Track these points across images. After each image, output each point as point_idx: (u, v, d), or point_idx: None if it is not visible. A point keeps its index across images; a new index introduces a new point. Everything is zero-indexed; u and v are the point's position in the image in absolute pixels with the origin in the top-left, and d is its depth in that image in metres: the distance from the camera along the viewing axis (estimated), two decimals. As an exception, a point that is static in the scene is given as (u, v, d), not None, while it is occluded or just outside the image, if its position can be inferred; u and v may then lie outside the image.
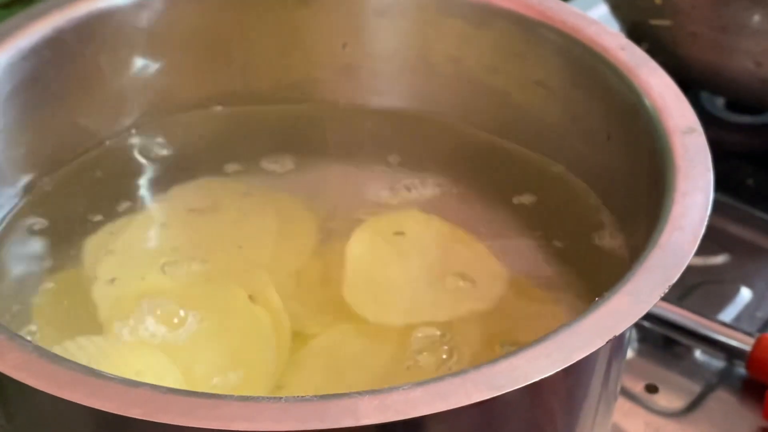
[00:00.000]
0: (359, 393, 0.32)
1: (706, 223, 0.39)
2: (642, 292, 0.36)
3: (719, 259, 0.63)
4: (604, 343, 0.34)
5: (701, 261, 0.62)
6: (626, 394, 0.56)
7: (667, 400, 0.56)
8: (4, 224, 0.48)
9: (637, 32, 0.68)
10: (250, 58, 0.55)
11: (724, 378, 0.57)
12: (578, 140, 0.50)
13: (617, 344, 0.40)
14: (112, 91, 0.52)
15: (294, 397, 0.32)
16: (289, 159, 0.53)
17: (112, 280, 0.46)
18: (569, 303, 0.46)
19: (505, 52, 0.53)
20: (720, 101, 0.74)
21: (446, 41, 0.54)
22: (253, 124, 0.55)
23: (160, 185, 0.51)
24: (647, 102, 0.45)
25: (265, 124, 0.55)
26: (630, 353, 0.58)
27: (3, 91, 0.47)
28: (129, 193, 0.51)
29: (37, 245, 0.48)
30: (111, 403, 0.31)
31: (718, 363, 0.57)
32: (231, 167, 0.52)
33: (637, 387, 0.56)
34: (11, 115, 0.48)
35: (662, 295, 0.36)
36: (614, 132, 0.48)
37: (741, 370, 0.57)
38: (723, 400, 0.56)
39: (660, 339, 0.58)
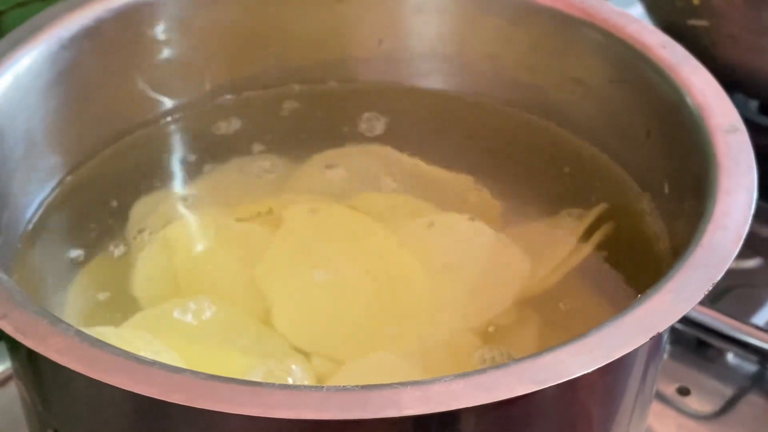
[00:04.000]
0: (402, 383, 0.31)
1: (749, 222, 0.38)
2: (684, 291, 0.36)
3: (752, 262, 0.63)
4: (647, 340, 0.34)
5: (734, 264, 0.60)
6: (658, 396, 0.55)
7: (699, 403, 0.55)
8: (42, 209, 0.48)
9: (671, 33, 0.67)
10: (286, 52, 0.55)
11: (756, 381, 0.56)
12: (615, 138, 0.50)
13: (656, 343, 0.40)
14: (149, 78, 0.52)
15: (336, 386, 0.31)
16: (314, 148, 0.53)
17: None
18: (607, 295, 0.45)
19: (543, 50, 0.52)
20: (754, 104, 0.73)
21: (483, 38, 0.54)
22: (285, 111, 0.55)
23: (196, 168, 0.51)
24: (689, 100, 0.45)
25: (298, 112, 0.55)
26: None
27: (44, 81, 0.47)
28: (166, 176, 0.51)
29: (75, 229, 0.48)
30: (153, 389, 0.31)
31: (750, 366, 0.57)
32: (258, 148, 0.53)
33: (669, 389, 0.56)
34: (52, 104, 0.48)
35: (705, 293, 0.36)
36: (654, 130, 0.47)
37: (774, 373, 0.56)
38: (755, 404, 0.55)
39: (692, 341, 0.58)
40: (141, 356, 0.33)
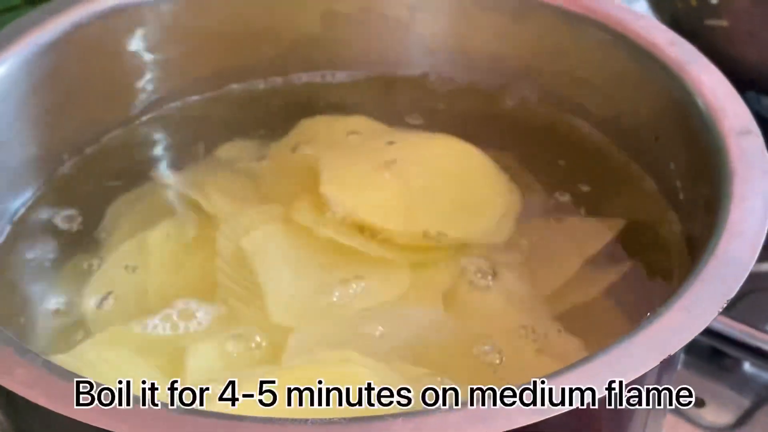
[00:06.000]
0: (392, 416, 0.29)
1: (766, 230, 0.36)
2: (698, 307, 0.33)
3: (768, 266, 0.61)
4: (658, 363, 0.31)
5: (750, 268, 0.60)
6: (672, 408, 0.53)
7: (714, 414, 0.53)
8: (17, 218, 0.47)
9: (681, 33, 0.66)
10: (277, 54, 0.54)
11: (774, 392, 0.54)
12: (627, 140, 0.48)
13: (669, 361, 0.38)
14: (130, 81, 0.51)
15: (321, 419, 0.29)
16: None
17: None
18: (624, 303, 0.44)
19: (545, 48, 0.51)
20: (767, 101, 0.71)
21: (483, 36, 0.52)
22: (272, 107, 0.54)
23: (180, 166, 0.50)
24: (699, 101, 0.43)
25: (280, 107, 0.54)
26: (676, 365, 0.55)
27: (23, 89, 0.46)
28: (147, 174, 0.50)
29: (52, 236, 0.47)
30: (124, 424, 0.29)
31: (768, 376, 0.55)
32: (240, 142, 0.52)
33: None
34: (32, 113, 0.47)
35: (720, 310, 0.33)
36: (663, 133, 0.45)
37: (793, 383, 0.54)
38: (774, 415, 0.53)
39: (707, 350, 0.56)
40: (112, 388, 0.30)
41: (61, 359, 0.39)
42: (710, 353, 0.56)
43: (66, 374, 0.31)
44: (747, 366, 0.55)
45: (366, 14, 0.53)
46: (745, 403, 0.54)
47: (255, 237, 0.44)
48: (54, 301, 0.44)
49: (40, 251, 0.46)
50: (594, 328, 0.43)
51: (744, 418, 0.53)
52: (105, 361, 0.39)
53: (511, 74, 0.52)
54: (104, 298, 0.43)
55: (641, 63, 0.46)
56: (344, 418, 0.29)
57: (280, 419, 0.29)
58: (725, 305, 0.34)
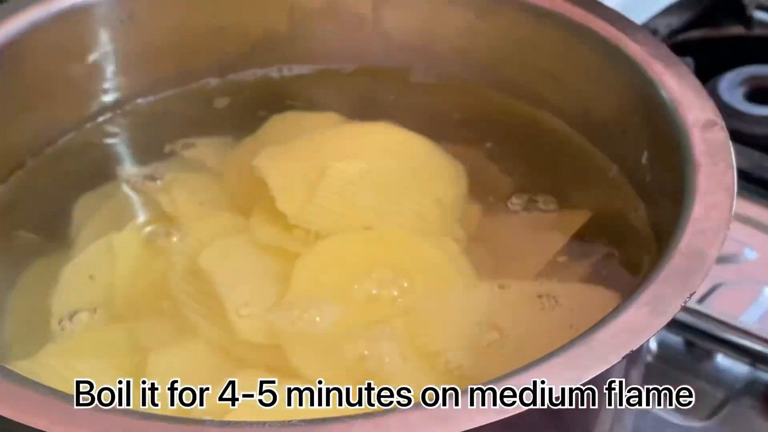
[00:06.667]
0: (351, 417, 0.29)
1: (729, 224, 0.36)
2: (661, 302, 0.33)
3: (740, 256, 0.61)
4: (620, 359, 0.31)
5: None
6: (644, 401, 0.53)
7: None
8: None
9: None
10: (243, 51, 0.54)
11: (748, 384, 0.54)
12: (591, 135, 0.48)
13: (634, 355, 0.38)
14: (91, 78, 0.51)
15: (279, 422, 0.29)
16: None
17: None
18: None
19: (513, 43, 0.51)
20: (739, 92, 0.71)
21: (450, 32, 0.52)
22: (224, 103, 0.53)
23: (142, 164, 0.50)
24: (664, 94, 0.43)
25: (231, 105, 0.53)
26: (648, 358, 0.55)
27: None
28: (112, 174, 0.49)
29: (17, 235, 0.47)
30: (82, 430, 0.29)
31: (741, 368, 0.55)
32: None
33: (656, 394, 0.54)
34: None
35: (683, 304, 0.33)
36: (629, 127, 0.45)
37: (766, 375, 0.54)
38: (747, 407, 0.53)
39: (679, 343, 0.56)
40: (70, 395, 0.30)
41: (22, 366, 0.38)
42: (683, 346, 0.56)
43: (23, 381, 0.31)
44: (720, 358, 0.55)
45: (331, 10, 0.53)
46: (719, 395, 0.54)
47: (211, 252, 0.43)
48: (19, 305, 0.43)
49: (2, 254, 0.45)
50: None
51: (717, 410, 0.53)
52: (67, 367, 0.39)
53: (477, 69, 0.52)
54: (69, 302, 0.43)
55: (606, 57, 0.46)
56: (303, 420, 0.29)
57: (237, 422, 0.29)
58: (688, 300, 0.33)
